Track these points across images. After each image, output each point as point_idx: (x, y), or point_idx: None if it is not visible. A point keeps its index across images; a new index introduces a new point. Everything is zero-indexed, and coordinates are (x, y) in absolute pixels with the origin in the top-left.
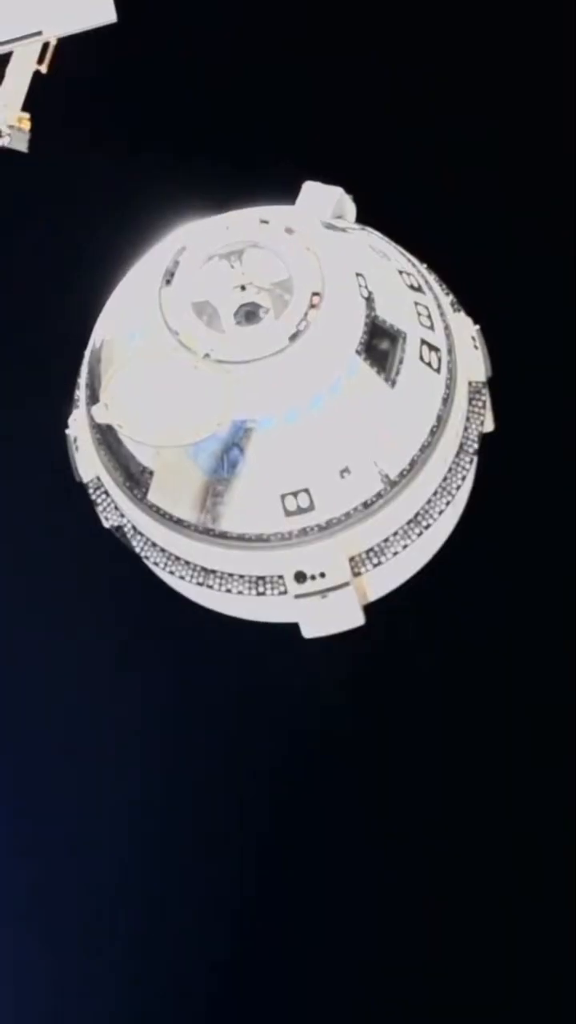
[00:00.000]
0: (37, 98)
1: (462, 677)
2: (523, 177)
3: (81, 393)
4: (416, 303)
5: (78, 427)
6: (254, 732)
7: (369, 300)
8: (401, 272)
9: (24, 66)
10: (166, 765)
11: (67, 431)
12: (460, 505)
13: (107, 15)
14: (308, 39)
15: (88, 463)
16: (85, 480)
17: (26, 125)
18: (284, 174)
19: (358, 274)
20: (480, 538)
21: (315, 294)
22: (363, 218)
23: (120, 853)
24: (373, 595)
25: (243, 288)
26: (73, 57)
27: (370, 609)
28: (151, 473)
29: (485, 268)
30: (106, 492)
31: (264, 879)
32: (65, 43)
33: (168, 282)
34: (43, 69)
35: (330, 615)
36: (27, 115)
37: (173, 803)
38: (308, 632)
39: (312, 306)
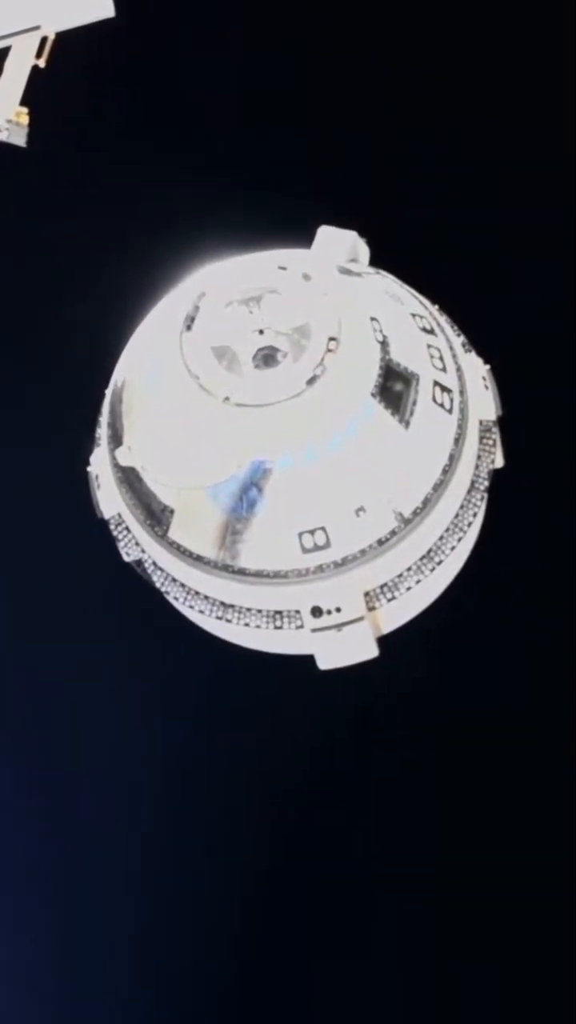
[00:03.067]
0: (35, 93)
1: (473, 707)
2: (530, 218)
3: (103, 432)
4: (429, 345)
5: (99, 465)
6: (270, 760)
7: (384, 344)
8: (414, 315)
9: (23, 61)
10: (186, 792)
11: (89, 469)
12: (471, 540)
13: (105, 10)
14: (311, 63)
15: (110, 500)
16: (107, 516)
17: (24, 119)
18: (293, 203)
19: (373, 319)
20: (490, 571)
21: (332, 339)
22: (374, 258)
23: (131, 880)
24: (387, 627)
25: (261, 332)
26: (71, 52)
27: (384, 641)
28: (172, 511)
29: (493, 307)
30: (127, 528)
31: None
32: (63, 38)
33: (189, 327)
34: (41, 64)
35: (345, 647)
36: (25, 109)
37: (189, 826)
38: (324, 664)
39: (329, 350)
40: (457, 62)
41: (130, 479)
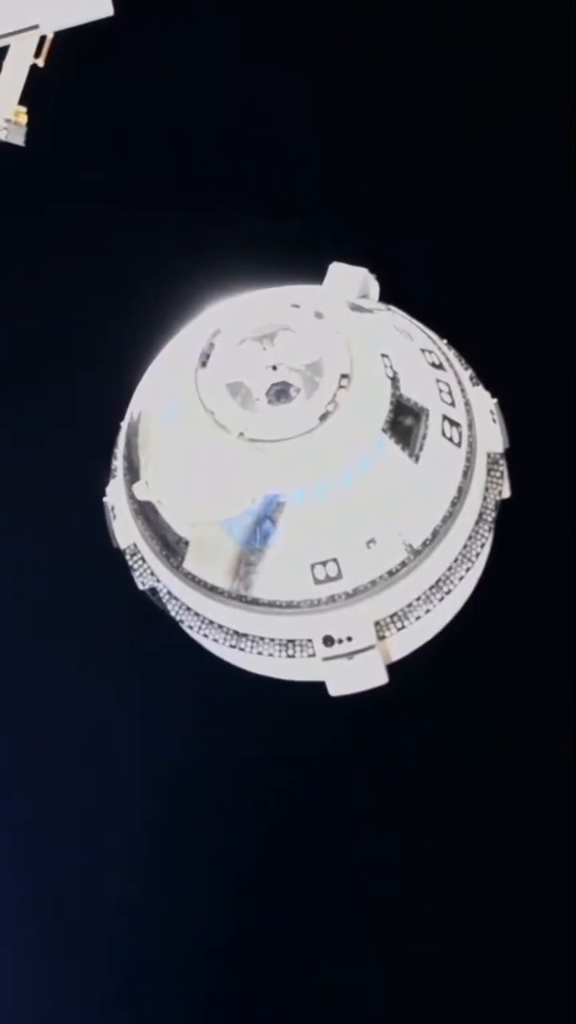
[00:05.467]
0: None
1: (480, 733)
2: (538, 252)
3: (118, 464)
4: (438, 380)
5: (115, 496)
6: (282, 783)
7: (394, 380)
8: (423, 351)
9: (21, 60)
10: (198, 815)
11: (104, 499)
12: (479, 570)
13: (104, 9)
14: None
15: (125, 531)
16: (122, 547)
17: (23, 119)
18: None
19: (384, 355)
20: (497, 600)
21: (344, 376)
22: (384, 294)
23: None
24: (396, 655)
25: (275, 368)
26: (70, 51)
27: (393, 668)
28: (187, 543)
29: (499, 340)
30: (142, 558)
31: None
32: (62, 37)
33: (204, 364)
34: (40, 63)
35: (356, 675)
36: (24, 109)
37: (196, 850)
38: (334, 691)
39: (341, 387)
40: (470, 96)
41: (146, 511)
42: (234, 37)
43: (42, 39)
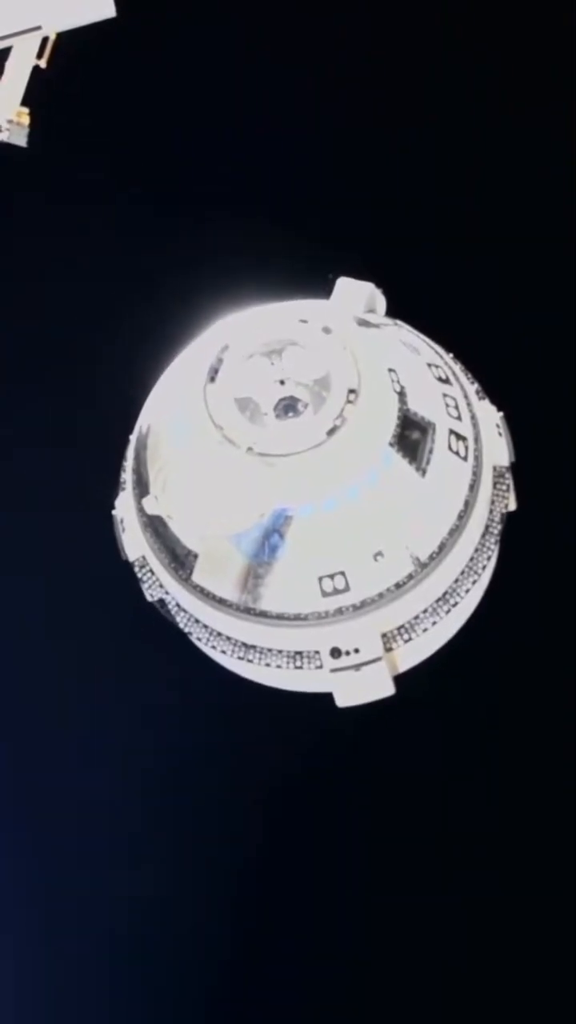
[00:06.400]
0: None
1: (486, 743)
2: (542, 267)
3: (128, 477)
4: (444, 395)
5: (124, 509)
6: (290, 793)
7: (401, 395)
8: (430, 365)
9: (24, 61)
10: (206, 824)
11: (114, 512)
12: (485, 582)
13: (106, 10)
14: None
15: (134, 543)
16: (131, 559)
17: (25, 120)
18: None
19: (391, 369)
20: (503, 612)
21: (351, 391)
22: (390, 308)
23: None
24: (403, 667)
25: (283, 383)
26: (72, 53)
27: (400, 680)
28: (196, 556)
29: (505, 354)
30: (151, 570)
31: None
32: (64, 38)
33: (212, 379)
34: (43, 63)
35: (363, 686)
36: (26, 110)
37: (203, 858)
38: (341, 701)
39: (349, 402)
40: (477, 111)
41: (155, 524)
42: (236, 40)
43: (44, 40)
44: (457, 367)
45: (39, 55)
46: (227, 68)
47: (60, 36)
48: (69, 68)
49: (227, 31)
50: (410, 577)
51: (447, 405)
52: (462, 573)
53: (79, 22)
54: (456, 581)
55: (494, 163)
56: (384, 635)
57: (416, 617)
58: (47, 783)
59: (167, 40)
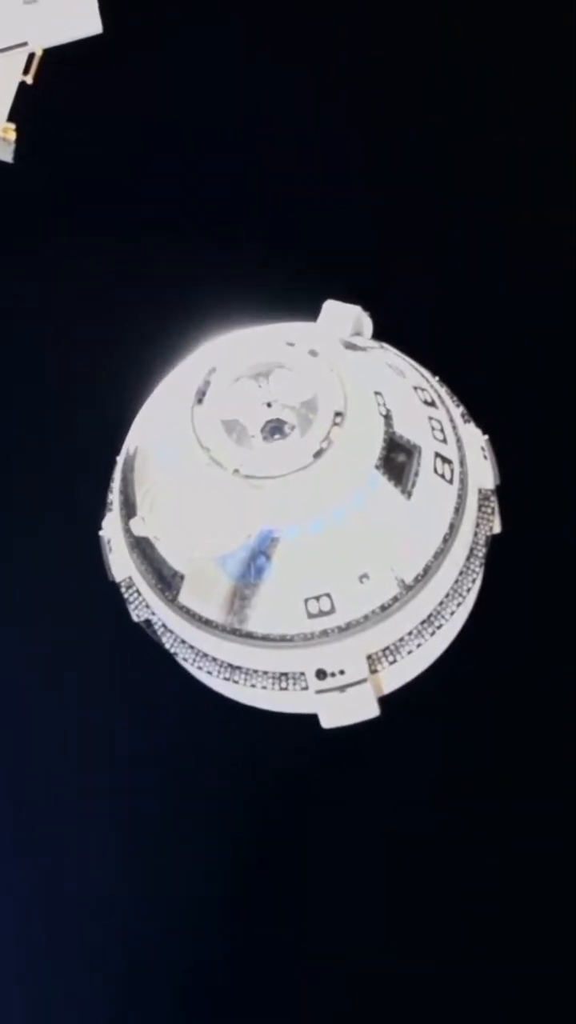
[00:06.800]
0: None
1: (470, 763)
2: (527, 290)
3: (114, 498)
4: (430, 418)
5: (111, 530)
6: (274, 812)
7: (387, 417)
8: (416, 388)
9: (10, 77)
10: (191, 842)
11: (100, 533)
12: (470, 604)
13: (93, 26)
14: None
15: (121, 564)
16: (118, 580)
17: (11, 135)
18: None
19: (377, 392)
20: (488, 634)
21: (338, 413)
22: (376, 331)
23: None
24: (388, 688)
25: (269, 405)
26: (59, 68)
27: (385, 701)
28: (182, 577)
29: (490, 377)
30: (138, 591)
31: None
32: (51, 54)
33: (200, 401)
34: (28, 80)
35: (348, 708)
36: (12, 126)
37: (186, 877)
38: (327, 723)
39: (335, 424)
40: (463, 133)
41: (141, 545)
42: (223, 57)
43: (31, 56)
44: (443, 390)
45: (25, 71)
46: (214, 84)
47: (46, 52)
48: (56, 84)
49: (214, 47)
50: (395, 599)
51: (433, 428)
52: (447, 595)
53: (65, 38)
54: (441, 603)
55: (484, 184)
56: (369, 657)
57: (401, 639)
58: (30, 801)
59: (154, 56)
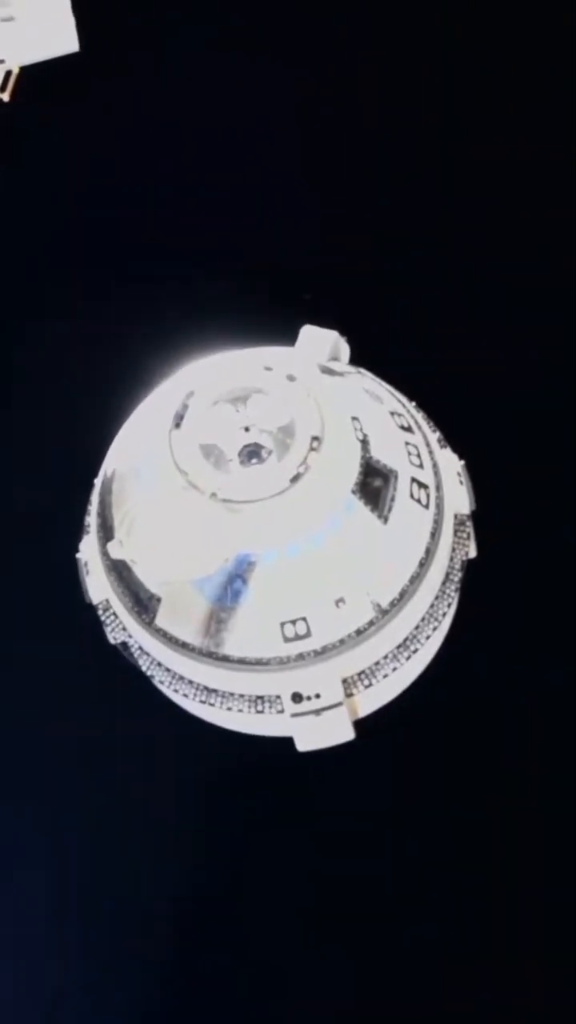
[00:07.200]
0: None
1: (447, 789)
2: (504, 315)
3: (92, 520)
4: (407, 443)
5: (88, 552)
6: (250, 833)
7: (364, 443)
8: (393, 413)
9: None
10: (166, 863)
11: (78, 555)
12: (445, 628)
13: (70, 44)
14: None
15: (98, 586)
16: (95, 602)
17: None
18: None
19: (354, 418)
20: (463, 658)
21: (315, 438)
22: (353, 356)
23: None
24: (363, 712)
25: (247, 429)
26: (35, 86)
27: (360, 724)
28: (159, 600)
29: (466, 403)
30: (114, 614)
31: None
32: (28, 72)
33: (178, 425)
34: (5, 97)
35: (323, 731)
36: None
37: (161, 895)
38: (302, 746)
39: (312, 449)
40: (445, 159)
41: (118, 567)
42: (202, 76)
43: (7, 74)
44: (419, 415)
45: (2, 88)
46: (192, 103)
47: (23, 70)
48: (32, 102)
49: (192, 66)
50: (371, 623)
51: (409, 453)
52: (423, 620)
53: (42, 56)
54: (417, 628)
55: (462, 212)
56: (345, 681)
57: (377, 663)
58: (4, 824)
59: (131, 75)
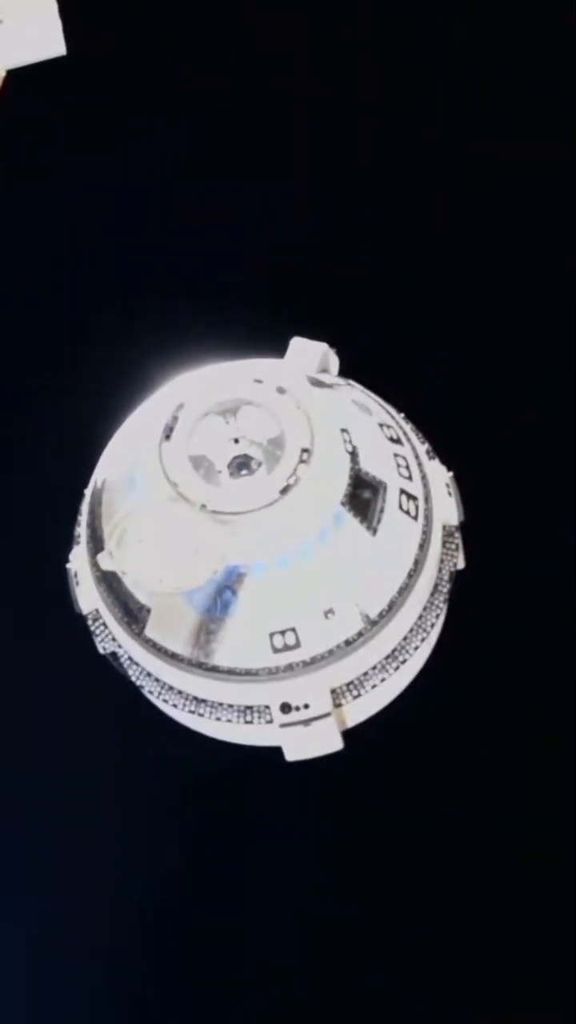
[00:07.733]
0: None
1: (434, 799)
2: (492, 328)
3: (82, 531)
4: (396, 455)
5: (78, 562)
6: (240, 842)
7: (353, 454)
8: (382, 425)
9: None
10: (156, 876)
11: (68, 566)
12: (433, 639)
13: (57, 48)
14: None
15: (87, 596)
16: (84, 612)
17: None
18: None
19: (343, 430)
20: (451, 668)
21: (304, 450)
22: (342, 368)
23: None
24: (352, 722)
25: (237, 441)
26: (21, 90)
27: (348, 734)
28: (149, 610)
29: (455, 414)
30: (104, 624)
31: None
32: (14, 75)
33: (168, 437)
34: None
35: (312, 741)
36: None
37: (149, 908)
38: (290, 756)
39: (302, 461)
40: (433, 169)
41: (108, 578)
42: (192, 82)
43: None
44: (408, 427)
45: None
46: (181, 107)
47: (9, 73)
48: (18, 105)
49: (180, 71)
50: (360, 634)
51: (398, 465)
52: (411, 631)
53: (29, 59)
54: (405, 639)
55: (454, 225)
56: (333, 691)
57: (365, 674)
58: None
59: (118, 79)
